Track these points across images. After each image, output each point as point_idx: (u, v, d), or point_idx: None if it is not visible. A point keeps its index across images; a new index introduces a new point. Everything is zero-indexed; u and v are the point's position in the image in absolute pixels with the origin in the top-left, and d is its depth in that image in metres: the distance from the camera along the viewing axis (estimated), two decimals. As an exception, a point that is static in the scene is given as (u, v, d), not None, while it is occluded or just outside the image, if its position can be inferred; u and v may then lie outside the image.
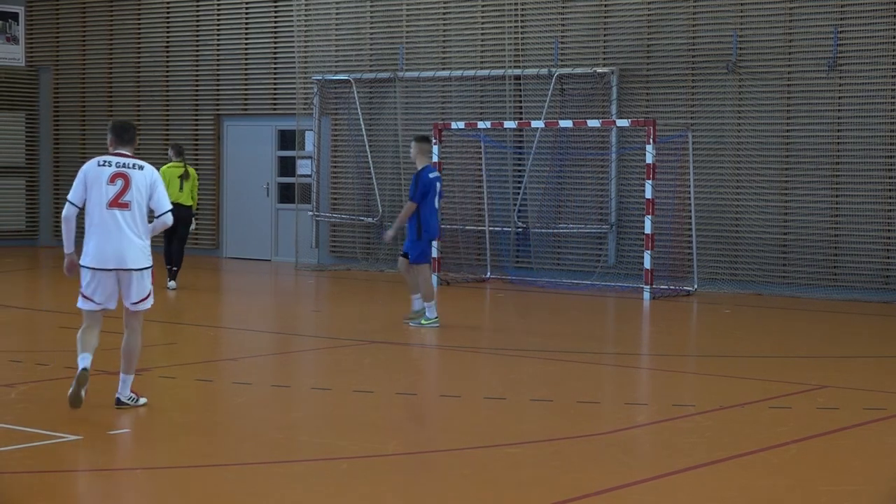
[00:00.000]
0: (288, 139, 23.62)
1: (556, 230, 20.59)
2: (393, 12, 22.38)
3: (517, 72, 20.86)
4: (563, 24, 20.77)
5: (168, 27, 25.20)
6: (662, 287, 18.60)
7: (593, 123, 19.15)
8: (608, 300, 18.31)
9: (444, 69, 21.74)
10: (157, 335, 14.01)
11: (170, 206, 9.79)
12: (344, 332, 13.74)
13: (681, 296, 18.59)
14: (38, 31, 26.83)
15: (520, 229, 20.81)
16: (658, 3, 19.93)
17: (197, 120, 24.84)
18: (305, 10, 23.21)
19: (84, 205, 9.67)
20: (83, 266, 9.67)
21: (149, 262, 9.75)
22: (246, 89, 24.25)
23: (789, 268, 18.94)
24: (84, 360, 9.53)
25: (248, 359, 13.09)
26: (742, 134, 19.24)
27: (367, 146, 22.28)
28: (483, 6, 21.49)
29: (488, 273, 20.65)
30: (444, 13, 21.94)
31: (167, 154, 18.99)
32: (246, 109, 24.28)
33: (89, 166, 9.72)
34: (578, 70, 20.29)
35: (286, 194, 23.65)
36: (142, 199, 9.66)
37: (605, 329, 16.17)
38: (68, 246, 9.79)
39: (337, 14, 22.98)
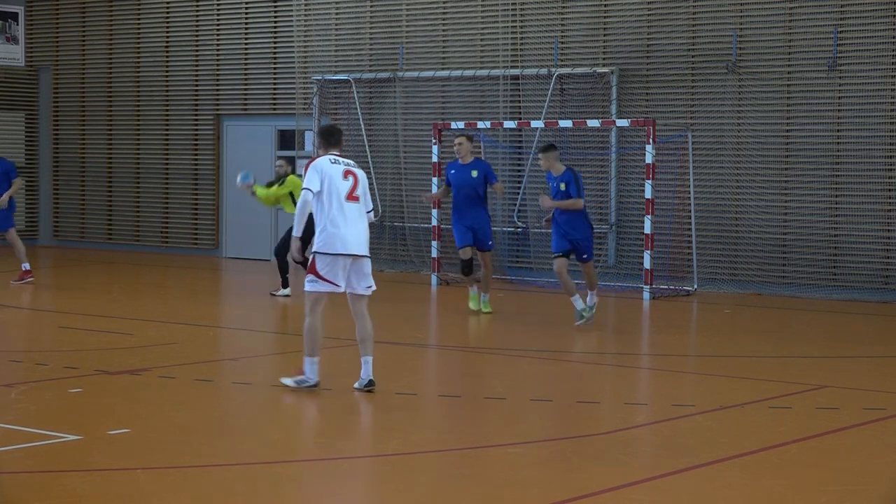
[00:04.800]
0: (288, 139, 23.62)
1: (555, 230, 20.54)
2: (393, 12, 22.37)
3: (517, 72, 20.86)
4: (563, 24, 20.77)
5: (168, 27, 25.20)
6: (662, 287, 18.60)
7: (593, 123, 19.15)
8: (608, 300, 18.29)
9: (443, 69, 21.74)
10: (157, 335, 14.02)
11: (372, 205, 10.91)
12: (344, 332, 13.71)
13: (681, 296, 18.59)
14: (37, 31, 26.83)
15: (520, 229, 20.80)
16: (658, 3, 19.92)
17: (197, 120, 24.84)
18: (305, 10, 23.20)
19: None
20: (321, 253, 10.47)
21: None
22: (246, 89, 24.25)
23: (789, 268, 18.94)
24: None
25: (248, 359, 13.09)
26: (742, 134, 19.23)
27: (366, 146, 22.26)
28: (483, 6, 21.49)
29: (488, 273, 20.61)
30: (443, 13, 21.94)
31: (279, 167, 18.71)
32: (246, 109, 24.28)
33: (323, 162, 10.55)
34: (578, 70, 20.29)
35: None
36: (366, 195, 10.69)
37: (604, 329, 16.15)
38: (300, 230, 10.67)
39: (337, 14, 22.98)
